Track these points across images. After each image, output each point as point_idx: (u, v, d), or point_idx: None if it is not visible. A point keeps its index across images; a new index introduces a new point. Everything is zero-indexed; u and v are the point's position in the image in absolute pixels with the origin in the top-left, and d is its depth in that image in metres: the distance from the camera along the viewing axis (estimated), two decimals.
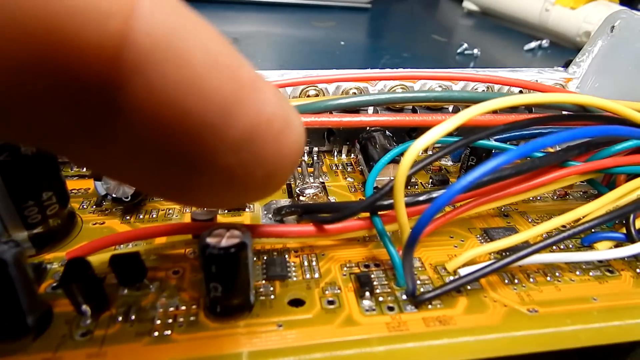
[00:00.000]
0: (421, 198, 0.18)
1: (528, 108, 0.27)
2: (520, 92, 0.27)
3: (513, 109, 0.26)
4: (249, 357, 0.14)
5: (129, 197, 0.20)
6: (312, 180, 0.23)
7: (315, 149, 0.27)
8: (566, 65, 0.32)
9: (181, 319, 0.15)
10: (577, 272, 0.18)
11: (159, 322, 0.15)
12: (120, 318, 0.15)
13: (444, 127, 0.16)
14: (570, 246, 0.20)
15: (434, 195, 0.17)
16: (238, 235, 0.15)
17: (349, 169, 0.26)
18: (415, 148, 0.16)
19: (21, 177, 0.16)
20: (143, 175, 0.09)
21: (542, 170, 0.19)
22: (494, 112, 0.24)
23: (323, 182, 0.24)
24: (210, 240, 0.14)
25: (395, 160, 0.22)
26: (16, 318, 0.14)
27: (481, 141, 0.22)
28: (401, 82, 0.26)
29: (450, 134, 0.16)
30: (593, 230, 0.20)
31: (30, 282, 0.14)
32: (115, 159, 0.09)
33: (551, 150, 0.24)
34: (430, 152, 0.27)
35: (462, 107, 0.25)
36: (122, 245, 0.18)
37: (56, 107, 0.08)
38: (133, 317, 0.15)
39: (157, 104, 0.08)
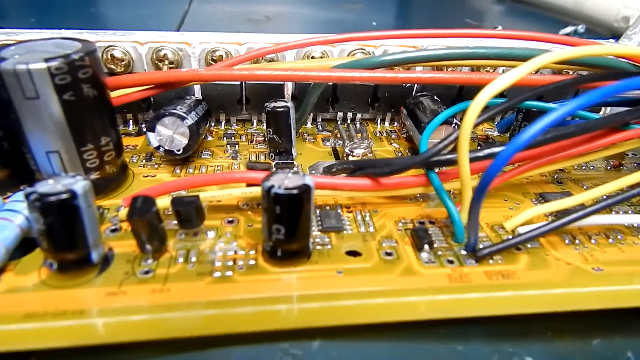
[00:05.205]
0: (481, 154, 0.17)
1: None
2: None
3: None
4: (315, 299, 0.14)
5: (181, 150, 0.20)
6: (361, 141, 0.22)
7: (359, 115, 0.26)
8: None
9: (241, 262, 0.15)
10: None
11: (219, 264, 0.15)
12: (181, 260, 0.15)
13: (506, 78, 0.16)
14: (630, 212, 0.20)
15: (496, 150, 0.17)
16: (300, 178, 0.14)
17: (393, 136, 0.26)
18: (481, 99, 0.15)
19: (83, 118, 0.16)
20: None
21: (603, 132, 0.19)
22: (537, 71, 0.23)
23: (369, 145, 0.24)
24: (274, 181, 0.14)
25: (448, 122, 0.21)
26: (82, 251, 0.14)
27: (537, 103, 0.21)
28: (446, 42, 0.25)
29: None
30: None
31: (96, 217, 0.14)
32: None
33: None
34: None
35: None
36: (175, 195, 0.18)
37: None
38: (194, 259, 0.15)
39: None
